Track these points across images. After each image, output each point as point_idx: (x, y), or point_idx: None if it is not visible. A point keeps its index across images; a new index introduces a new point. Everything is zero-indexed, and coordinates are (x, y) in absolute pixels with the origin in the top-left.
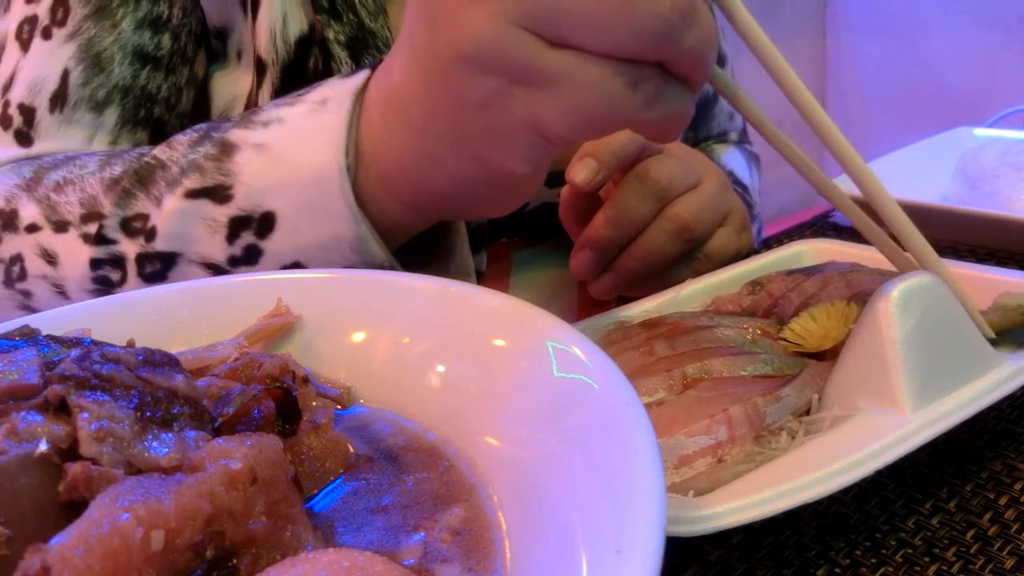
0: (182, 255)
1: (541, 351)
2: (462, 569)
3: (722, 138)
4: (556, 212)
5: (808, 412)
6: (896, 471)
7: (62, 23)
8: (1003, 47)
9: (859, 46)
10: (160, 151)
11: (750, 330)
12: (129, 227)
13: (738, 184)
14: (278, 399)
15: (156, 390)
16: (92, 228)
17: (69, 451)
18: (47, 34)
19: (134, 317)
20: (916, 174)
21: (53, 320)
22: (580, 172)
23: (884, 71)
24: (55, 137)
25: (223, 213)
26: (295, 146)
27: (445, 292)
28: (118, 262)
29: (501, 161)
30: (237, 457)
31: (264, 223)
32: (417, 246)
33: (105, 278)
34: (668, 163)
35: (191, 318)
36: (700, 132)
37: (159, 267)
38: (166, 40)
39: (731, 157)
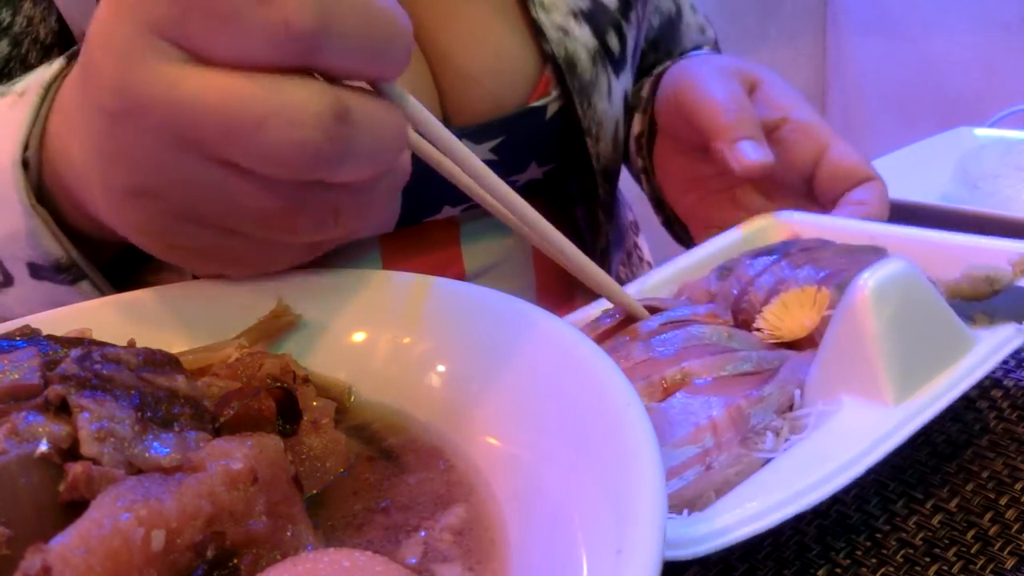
0: None
1: (542, 351)
2: (462, 569)
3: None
4: (490, 168)
5: (791, 407)
6: (897, 471)
7: None
8: (1003, 47)
9: (860, 46)
10: None
11: (724, 324)
12: None
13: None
14: (278, 399)
15: (157, 390)
16: None
17: (70, 451)
18: None
19: (134, 317)
20: (916, 174)
21: (53, 320)
22: (752, 153)
23: (885, 71)
24: None
25: None
26: None
27: (445, 292)
28: None
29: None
30: (238, 457)
31: None
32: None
33: None
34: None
35: (191, 318)
36: (674, 53)
37: None
38: (3, 46)
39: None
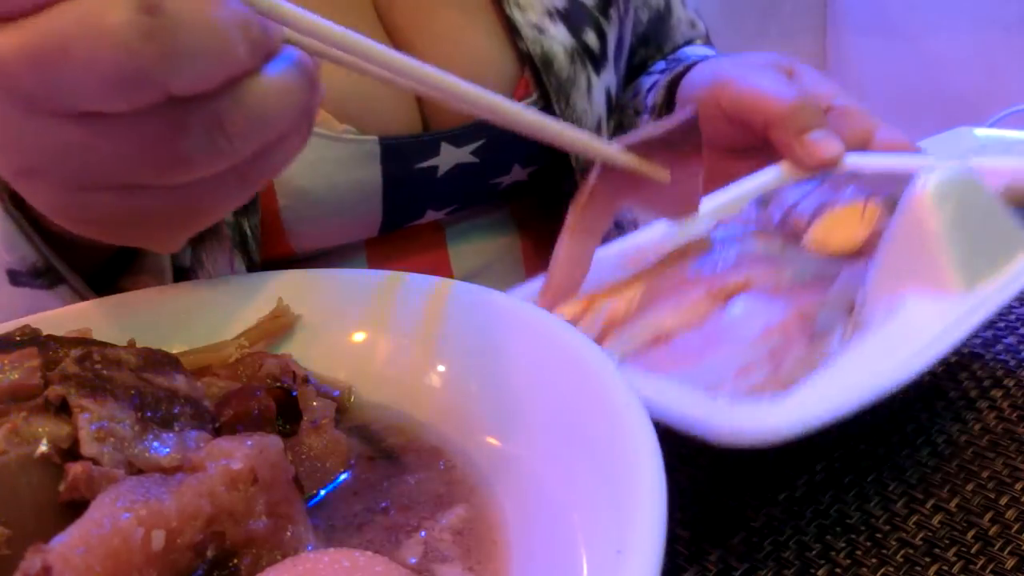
0: None
1: (542, 350)
2: (462, 569)
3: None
4: (472, 171)
5: (853, 310)
6: (898, 471)
7: None
8: (1003, 47)
9: (860, 46)
10: None
11: (776, 240)
12: None
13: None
14: (278, 399)
15: (157, 390)
16: None
17: (70, 451)
18: None
19: (134, 317)
20: None
21: (53, 320)
22: (825, 145)
23: (885, 71)
24: None
25: None
26: None
27: (445, 291)
28: None
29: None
30: (238, 457)
31: None
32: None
33: None
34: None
35: (191, 318)
36: (665, 48)
37: None
38: None
39: (702, 50)
